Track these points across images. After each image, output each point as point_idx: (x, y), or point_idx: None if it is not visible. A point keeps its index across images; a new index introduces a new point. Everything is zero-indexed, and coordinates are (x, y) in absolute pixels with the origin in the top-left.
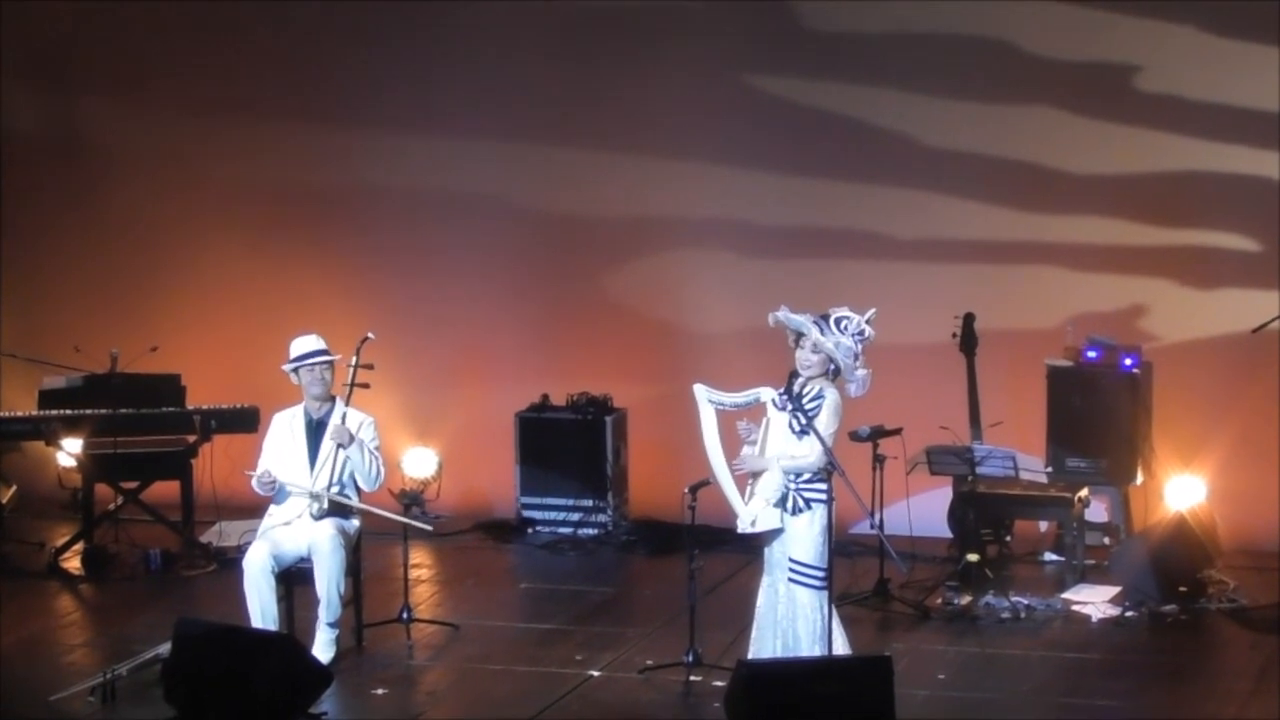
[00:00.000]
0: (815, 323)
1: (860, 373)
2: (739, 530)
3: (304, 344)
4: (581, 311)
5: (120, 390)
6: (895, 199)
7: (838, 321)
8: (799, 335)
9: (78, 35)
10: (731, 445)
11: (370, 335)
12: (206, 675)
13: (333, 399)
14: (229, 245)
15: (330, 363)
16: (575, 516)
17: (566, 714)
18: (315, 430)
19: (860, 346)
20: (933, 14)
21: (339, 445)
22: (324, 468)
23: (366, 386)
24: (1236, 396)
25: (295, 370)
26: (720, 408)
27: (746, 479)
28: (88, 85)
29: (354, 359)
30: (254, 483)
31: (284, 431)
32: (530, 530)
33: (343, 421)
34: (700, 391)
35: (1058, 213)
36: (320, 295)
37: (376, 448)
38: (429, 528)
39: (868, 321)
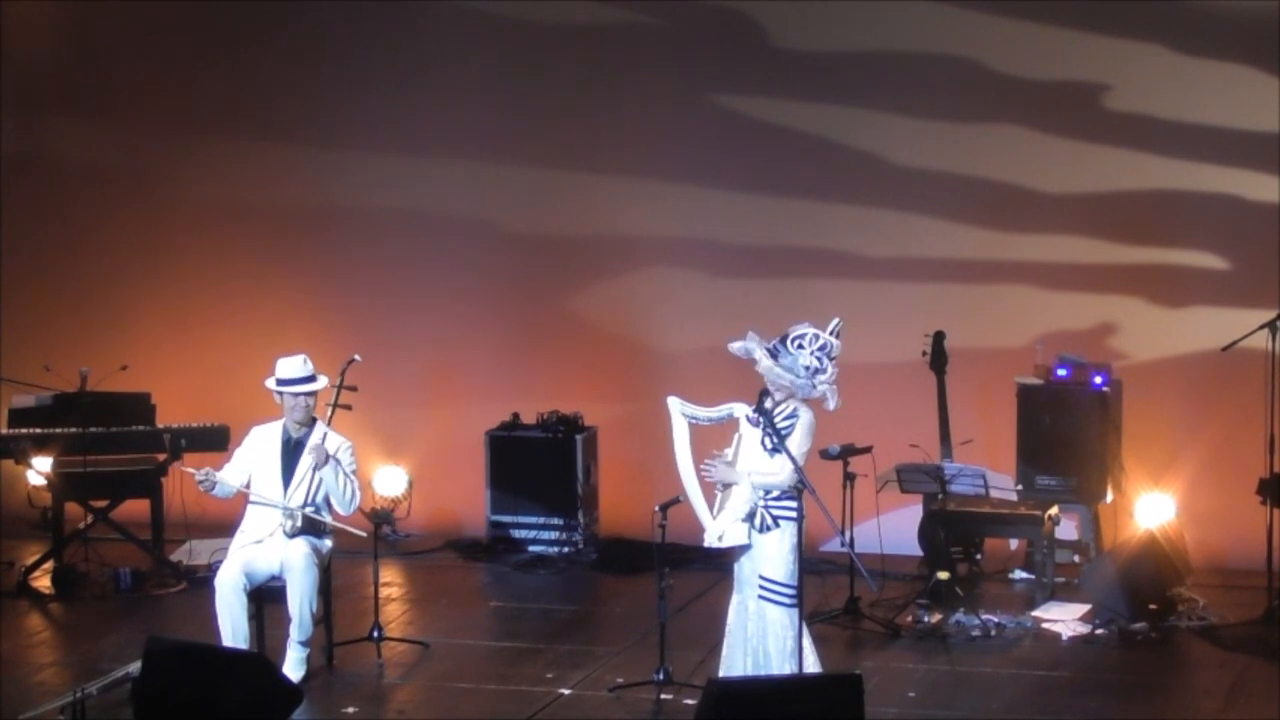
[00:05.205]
0: (767, 346)
1: (821, 387)
2: (705, 545)
3: (291, 366)
4: (552, 330)
5: (90, 409)
6: (866, 218)
7: (794, 340)
8: None
9: (48, 53)
10: (702, 459)
11: (356, 358)
12: (177, 694)
13: (313, 420)
14: (199, 264)
15: (315, 393)
16: (545, 535)
17: None
18: (293, 449)
19: (824, 361)
20: (903, 34)
21: (315, 465)
22: (299, 486)
23: (349, 408)
24: (1206, 414)
25: (279, 391)
26: (694, 421)
27: (715, 492)
28: (58, 104)
29: (339, 381)
30: (199, 474)
31: (260, 446)
32: (500, 548)
33: (322, 442)
34: (674, 404)
35: (1028, 231)
36: (291, 314)
37: (353, 472)
38: (364, 534)
39: (833, 333)
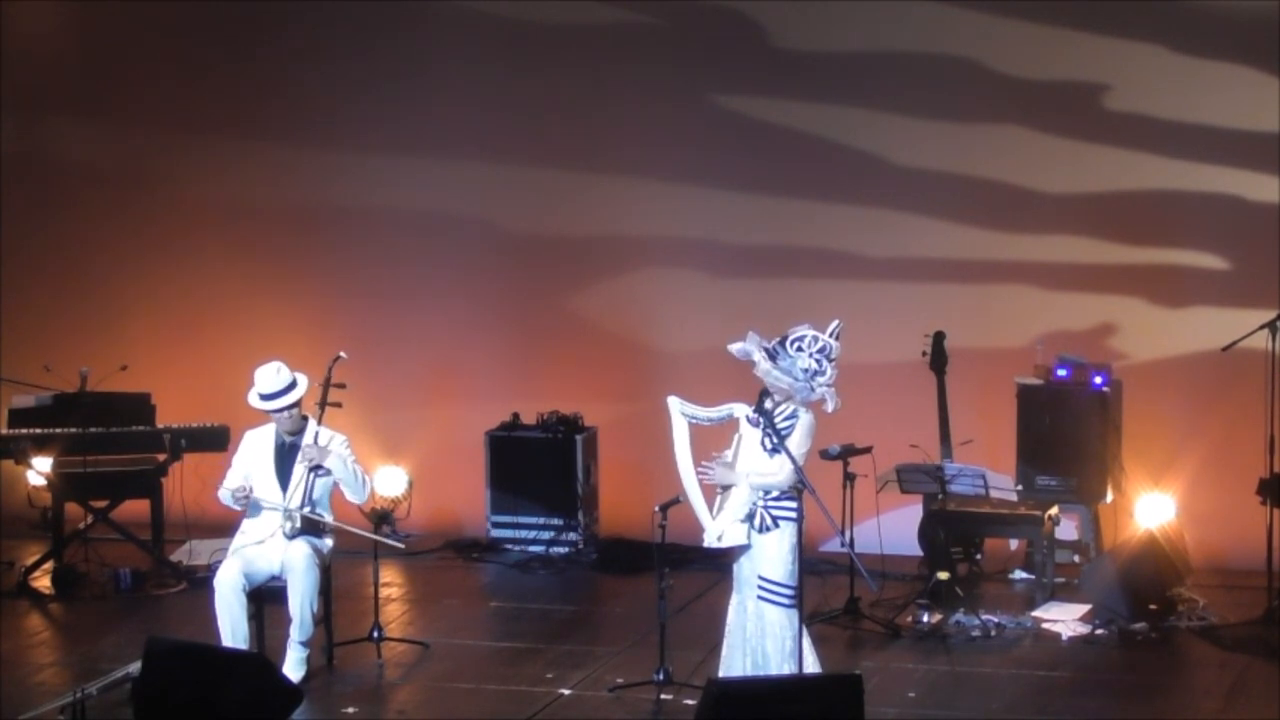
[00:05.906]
0: (766, 348)
1: (820, 390)
2: (705, 545)
3: (266, 380)
4: (552, 330)
5: (90, 409)
6: (866, 218)
7: (793, 342)
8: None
9: (48, 53)
10: (702, 459)
11: (342, 355)
12: (177, 694)
13: (305, 419)
14: (199, 264)
15: (296, 402)
16: (545, 535)
17: None
18: (288, 451)
19: (823, 363)
20: (903, 33)
21: (312, 468)
22: (296, 488)
23: (339, 405)
24: (1206, 415)
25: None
26: (694, 421)
27: (714, 492)
28: (58, 104)
29: (326, 378)
30: (228, 497)
31: (255, 451)
32: (501, 548)
33: (314, 441)
34: (674, 404)
35: (1028, 231)
36: (291, 314)
37: (355, 461)
38: (401, 545)
39: (833, 335)
